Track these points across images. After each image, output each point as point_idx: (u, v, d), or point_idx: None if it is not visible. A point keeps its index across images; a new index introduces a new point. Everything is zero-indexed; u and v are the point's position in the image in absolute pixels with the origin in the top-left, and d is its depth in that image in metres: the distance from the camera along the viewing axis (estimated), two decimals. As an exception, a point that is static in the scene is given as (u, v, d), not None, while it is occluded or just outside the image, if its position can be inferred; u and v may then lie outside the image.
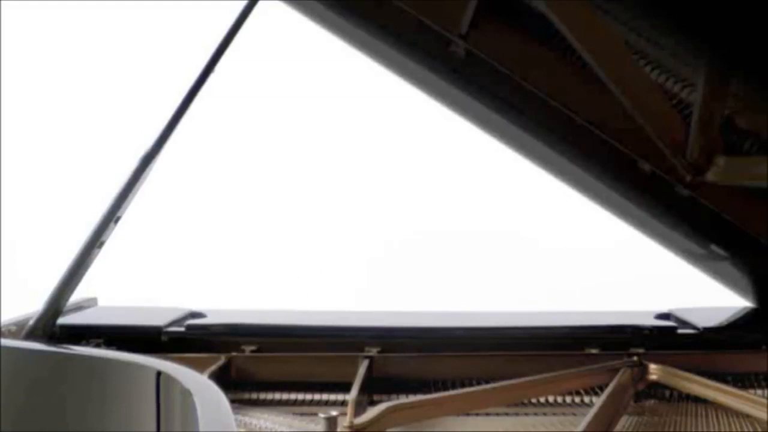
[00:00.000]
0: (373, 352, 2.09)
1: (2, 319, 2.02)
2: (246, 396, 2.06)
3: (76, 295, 2.16)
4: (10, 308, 2.14)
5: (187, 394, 1.34)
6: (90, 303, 2.42)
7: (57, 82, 4.75)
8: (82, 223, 2.07)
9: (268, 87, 4.66)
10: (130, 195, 2.03)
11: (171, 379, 1.42)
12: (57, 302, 1.99)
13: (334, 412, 1.68)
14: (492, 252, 4.94)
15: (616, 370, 1.97)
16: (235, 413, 1.91)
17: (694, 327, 2.18)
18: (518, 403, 1.98)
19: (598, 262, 4.79)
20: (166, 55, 4.18)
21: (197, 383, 1.38)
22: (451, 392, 1.96)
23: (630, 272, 4.54)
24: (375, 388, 2.04)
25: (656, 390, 2.02)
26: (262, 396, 2.06)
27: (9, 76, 4.60)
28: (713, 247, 2.32)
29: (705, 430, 1.86)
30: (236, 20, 2.12)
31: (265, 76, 4.59)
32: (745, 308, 2.35)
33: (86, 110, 4.78)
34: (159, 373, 1.45)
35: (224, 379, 2.02)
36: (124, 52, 4.57)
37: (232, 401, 2.01)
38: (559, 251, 4.99)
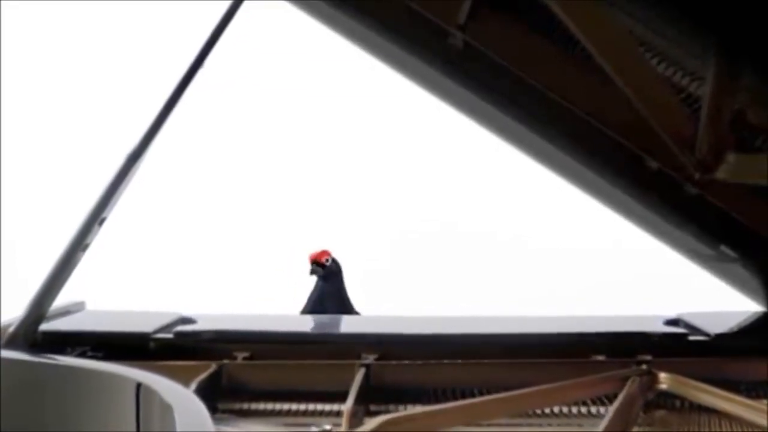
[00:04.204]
0: (371, 359, 2.03)
1: (2, 320, 1.96)
2: (237, 406, 1.98)
3: (64, 299, 2.12)
4: (10, 308, 2.08)
5: (167, 408, 1.28)
6: (77, 307, 2.35)
7: (59, 82, 4.76)
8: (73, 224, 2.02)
9: (261, 83, 4.65)
10: (115, 195, 1.97)
11: (151, 392, 1.36)
12: (39, 308, 1.93)
13: (327, 426, 1.64)
14: (492, 253, 4.92)
15: (625, 379, 1.90)
16: (225, 425, 1.86)
17: (704, 333, 2.11)
18: (523, 414, 1.91)
19: (600, 263, 4.77)
20: (154, 52, 4.16)
21: (178, 397, 1.32)
22: (453, 404, 1.88)
23: (634, 273, 4.52)
24: (372, 397, 1.97)
25: (666, 400, 1.95)
26: (254, 406, 1.98)
27: (12, 77, 4.61)
28: (722, 247, 2.25)
29: None
30: (226, 12, 2.07)
31: (259, 72, 4.58)
32: (756, 313, 2.28)
33: (85, 110, 4.79)
34: (139, 385, 1.39)
35: (215, 388, 1.95)
36: (112, 51, 4.56)
37: (223, 411, 1.97)
38: (561, 251, 4.98)
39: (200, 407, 1.29)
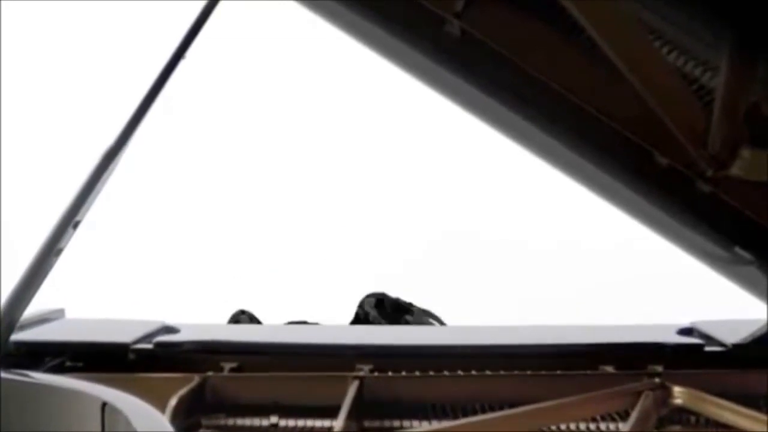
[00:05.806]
0: (365, 370, 1.95)
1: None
2: (222, 421, 1.90)
3: (43, 307, 2.12)
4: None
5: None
6: (56, 315, 2.28)
7: (61, 80, 4.74)
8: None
9: (256, 80, 4.61)
10: (91, 197, 1.88)
11: (116, 412, 1.25)
12: (9, 317, 1.81)
13: None
14: (492, 254, 4.86)
15: (638, 394, 1.81)
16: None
17: (720, 343, 2.04)
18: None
19: (604, 264, 4.71)
20: (133, 46, 4.12)
21: (145, 419, 1.21)
22: (453, 423, 1.79)
23: (642, 276, 4.46)
24: (366, 412, 1.88)
25: (681, 415, 1.87)
26: (240, 421, 1.90)
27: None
28: (736, 249, 2.15)
29: None
30: (205, 6, 1.98)
31: (254, 69, 4.54)
32: None
33: (84, 108, 4.76)
34: (104, 405, 1.29)
35: (198, 402, 1.87)
36: (89, 45, 4.53)
37: (207, 427, 1.88)
38: (561, 251, 4.91)
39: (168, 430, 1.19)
